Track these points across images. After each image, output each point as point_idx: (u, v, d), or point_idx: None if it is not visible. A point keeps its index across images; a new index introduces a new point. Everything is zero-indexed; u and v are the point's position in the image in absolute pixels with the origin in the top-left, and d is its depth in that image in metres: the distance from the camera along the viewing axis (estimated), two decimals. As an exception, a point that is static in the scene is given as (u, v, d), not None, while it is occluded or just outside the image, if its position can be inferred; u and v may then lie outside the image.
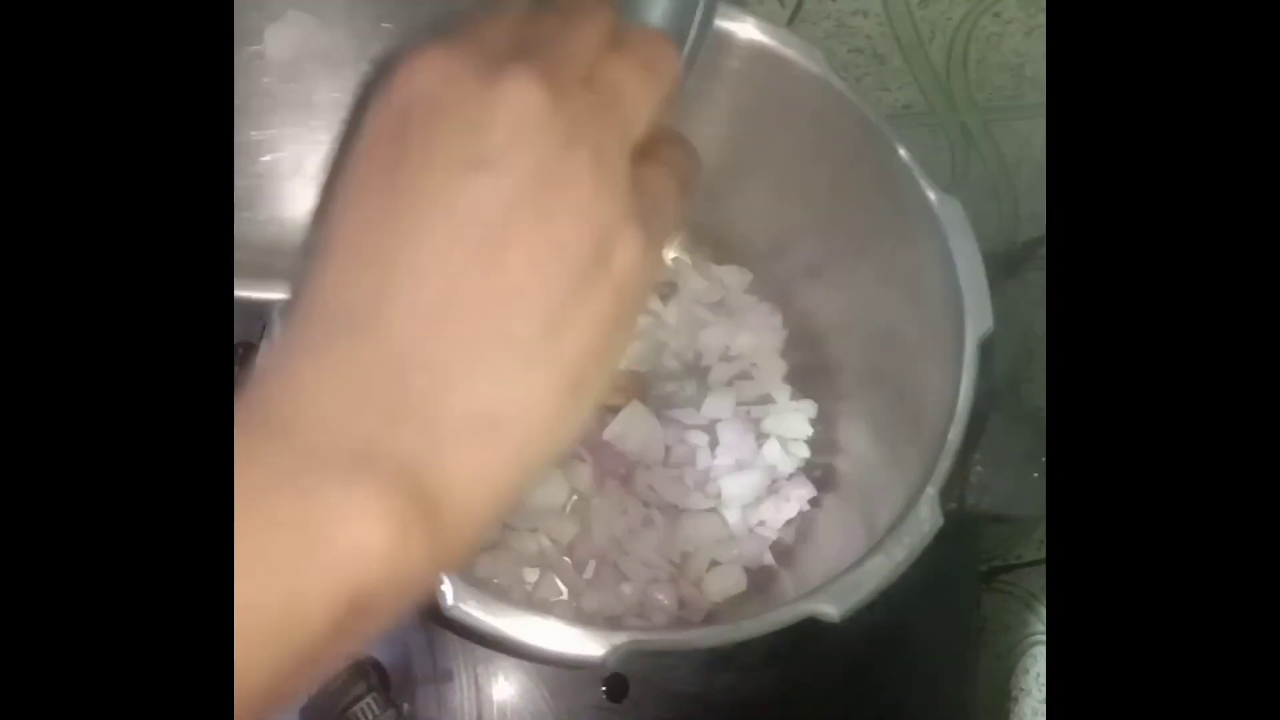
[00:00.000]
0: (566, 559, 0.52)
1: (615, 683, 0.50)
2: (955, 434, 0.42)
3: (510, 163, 0.23)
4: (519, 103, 0.23)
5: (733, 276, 0.60)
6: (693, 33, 0.30)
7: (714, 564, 0.53)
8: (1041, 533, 0.60)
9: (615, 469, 0.54)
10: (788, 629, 0.38)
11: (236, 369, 0.46)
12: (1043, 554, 0.60)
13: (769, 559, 0.53)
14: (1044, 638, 0.57)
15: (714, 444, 0.56)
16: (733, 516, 0.54)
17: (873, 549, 0.40)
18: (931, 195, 0.45)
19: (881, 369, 0.53)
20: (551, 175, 0.23)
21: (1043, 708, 0.56)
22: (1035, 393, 0.55)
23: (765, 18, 0.47)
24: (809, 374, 0.58)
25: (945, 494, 0.41)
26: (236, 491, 0.20)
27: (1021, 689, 0.58)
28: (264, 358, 0.34)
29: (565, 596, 0.51)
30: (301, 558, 0.20)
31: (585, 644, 0.36)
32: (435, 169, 0.23)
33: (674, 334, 0.59)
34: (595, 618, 0.50)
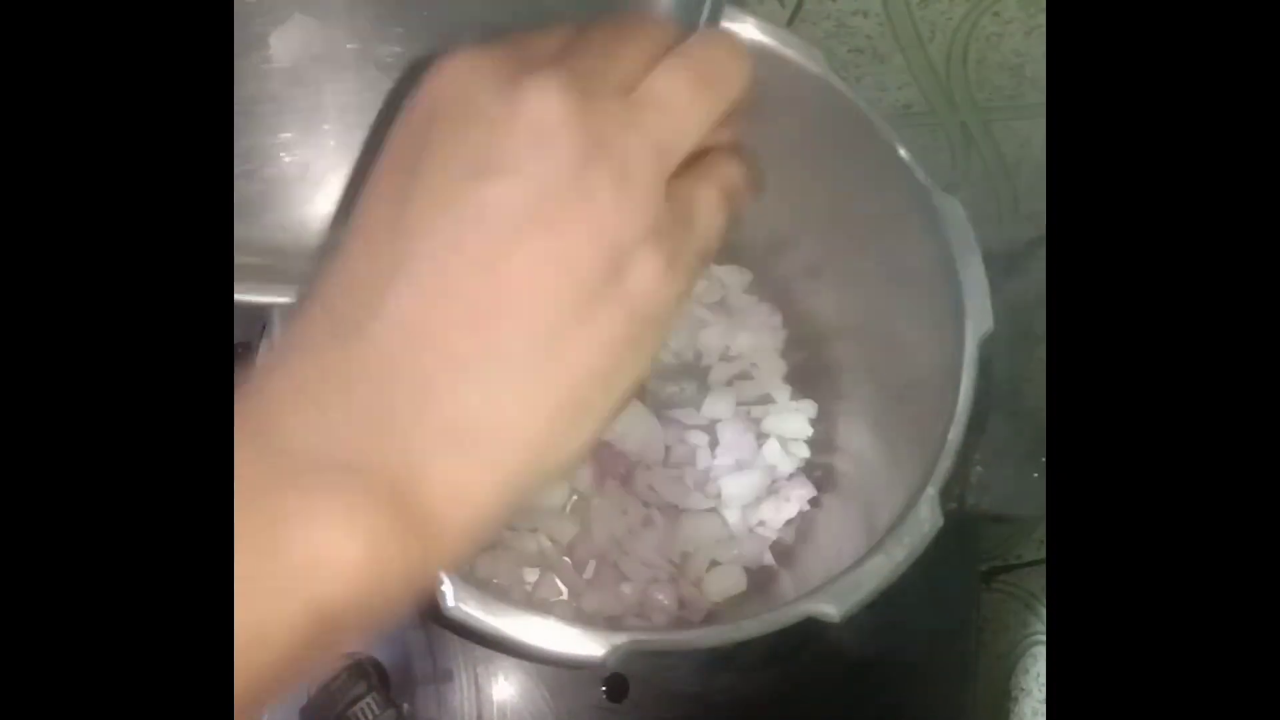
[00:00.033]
0: (566, 559, 0.52)
1: (615, 683, 0.50)
2: (955, 434, 0.42)
3: (523, 170, 0.22)
4: (540, 109, 0.22)
5: (732, 276, 0.60)
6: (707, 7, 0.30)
7: (714, 564, 0.53)
8: (1041, 533, 0.60)
9: (615, 469, 0.54)
10: (788, 629, 0.38)
11: (236, 369, 0.46)
12: (1043, 554, 0.60)
13: (769, 559, 0.53)
14: (1044, 638, 0.57)
15: (714, 444, 0.56)
16: (733, 516, 0.54)
17: (873, 549, 0.40)
18: (932, 195, 0.45)
19: (881, 369, 0.53)
20: (567, 186, 0.22)
21: (1043, 708, 0.56)
22: (1035, 392, 0.55)
23: (765, 18, 0.47)
24: (809, 374, 0.58)
25: (945, 494, 0.41)
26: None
27: (1021, 689, 0.58)
28: (262, 358, 0.34)
29: (565, 596, 0.51)
30: (261, 572, 0.20)
31: (585, 644, 0.36)
32: (448, 173, 0.22)
33: (674, 334, 0.59)
34: (595, 618, 0.50)
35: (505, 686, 0.50)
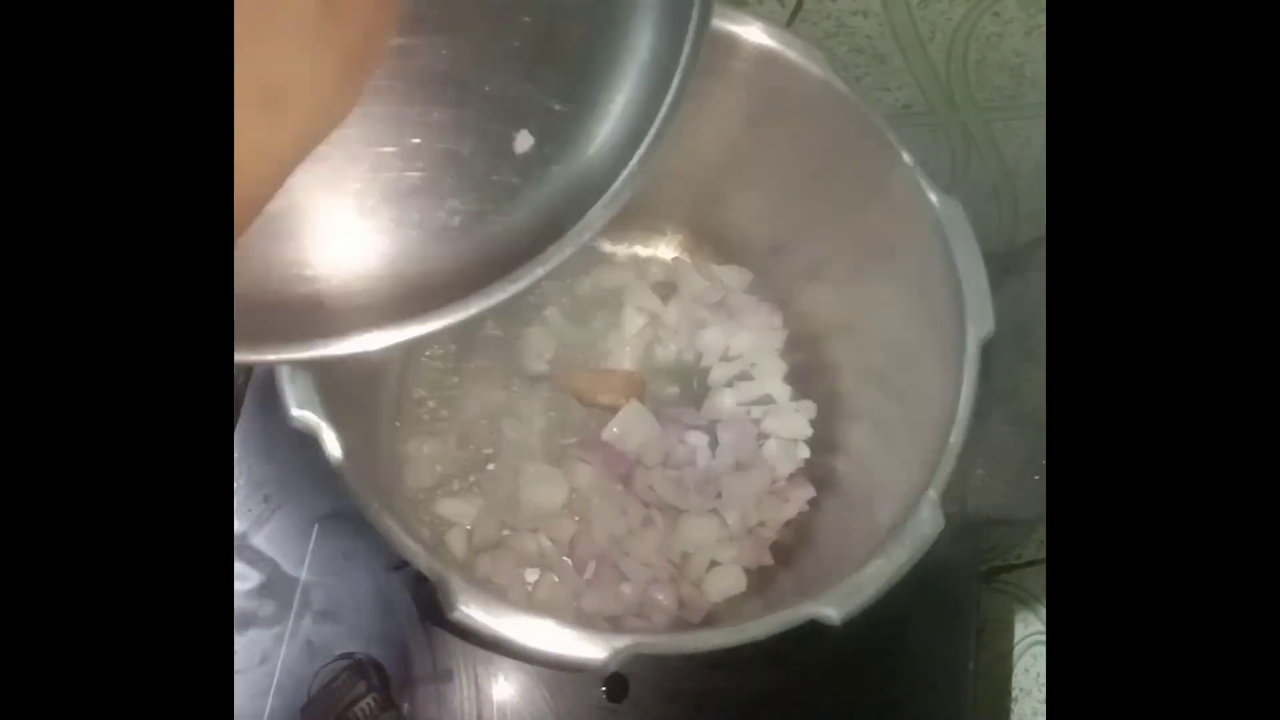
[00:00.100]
0: (566, 559, 0.52)
1: (615, 682, 0.50)
2: (957, 437, 0.42)
3: None
4: None
5: (733, 276, 0.60)
6: (689, 38, 0.30)
7: (714, 564, 0.53)
8: (1041, 533, 0.60)
9: (615, 469, 0.54)
10: (788, 630, 0.38)
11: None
12: (1043, 554, 0.60)
13: (769, 559, 0.53)
14: (1044, 638, 0.57)
15: (714, 444, 0.56)
16: (732, 517, 0.54)
17: (874, 552, 0.40)
18: (933, 197, 0.45)
19: (881, 369, 0.53)
20: None
21: (1043, 708, 0.56)
22: (1035, 393, 0.55)
23: (765, 18, 0.47)
24: (809, 374, 0.58)
25: (946, 497, 0.41)
26: None
27: (1021, 689, 0.58)
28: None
29: (565, 597, 0.51)
30: None
31: (588, 647, 0.36)
32: None
33: (674, 334, 0.59)
34: (595, 618, 0.50)
35: (505, 686, 0.50)
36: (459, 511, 0.52)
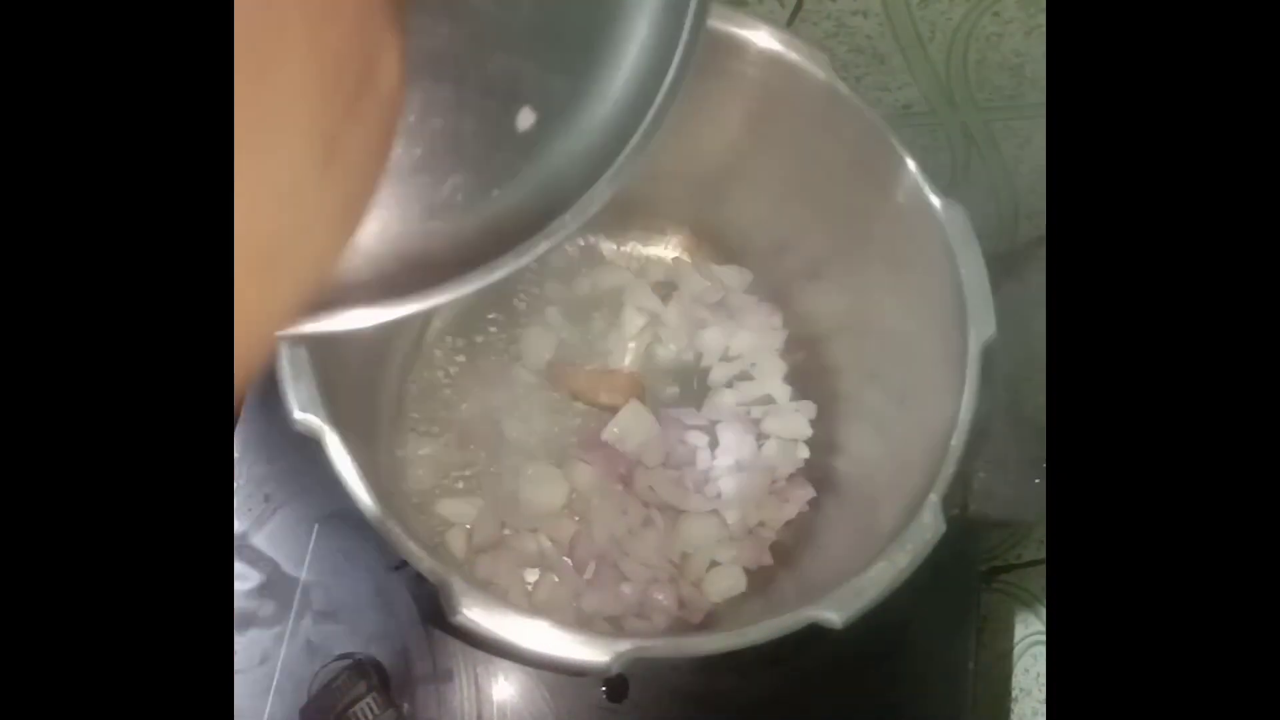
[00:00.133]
0: (566, 559, 0.52)
1: (616, 683, 0.50)
2: (958, 440, 0.42)
3: None
4: None
5: (733, 277, 0.60)
6: (690, 16, 0.30)
7: (714, 564, 0.53)
8: (1042, 533, 0.60)
9: (615, 469, 0.54)
10: (789, 632, 0.38)
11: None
12: (1043, 554, 0.60)
13: (768, 559, 0.53)
14: (1044, 638, 0.57)
15: (714, 444, 0.56)
16: (732, 517, 0.54)
17: (875, 555, 0.40)
18: (934, 199, 0.45)
19: (882, 370, 0.53)
20: None
21: (1043, 708, 0.56)
22: (1035, 393, 0.55)
23: (765, 18, 0.47)
24: (809, 374, 0.58)
25: (948, 500, 0.41)
26: None
27: (1021, 689, 0.58)
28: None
29: (565, 597, 0.51)
30: None
31: (590, 651, 0.36)
32: None
33: (674, 334, 0.59)
34: (595, 618, 0.50)
35: (505, 686, 0.50)
36: (459, 511, 0.52)
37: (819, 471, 0.55)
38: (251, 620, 0.49)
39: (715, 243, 0.61)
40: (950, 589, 0.56)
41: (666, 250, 0.62)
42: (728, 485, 0.54)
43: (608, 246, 0.61)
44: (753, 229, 0.59)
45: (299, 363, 0.38)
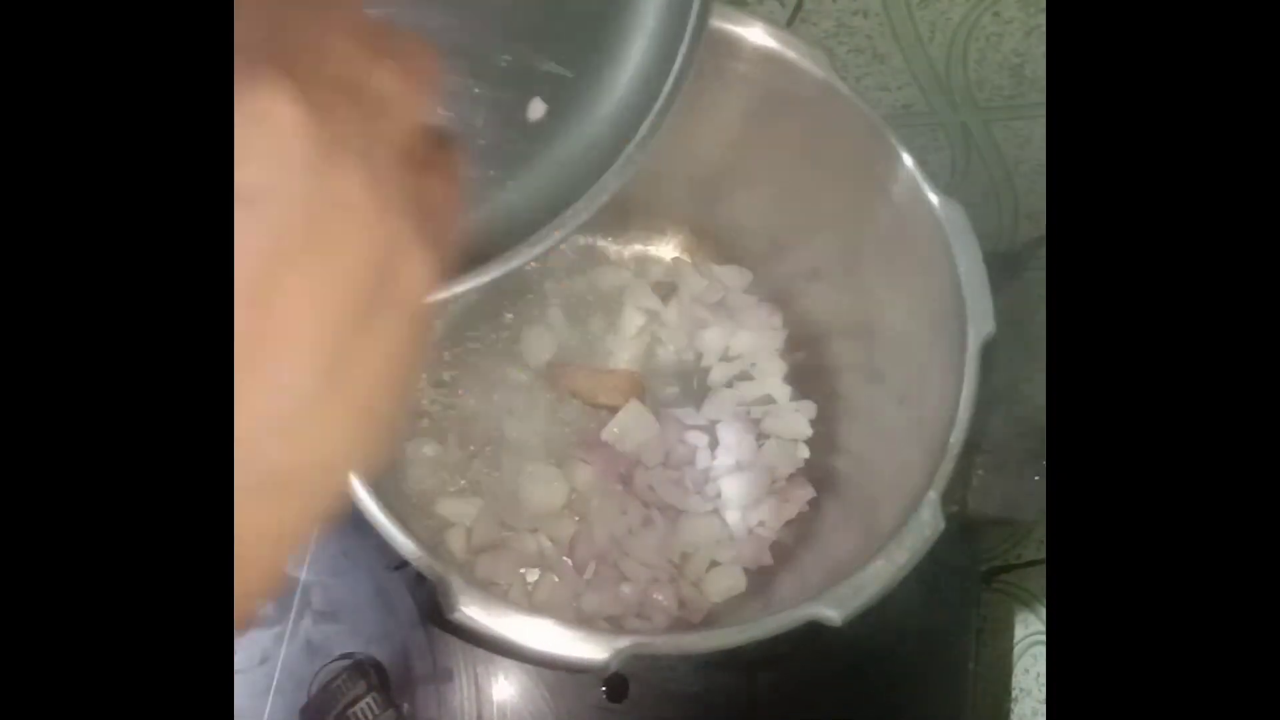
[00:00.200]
0: (566, 559, 0.52)
1: (615, 683, 0.50)
2: (957, 438, 0.42)
3: (272, 194, 0.20)
4: (275, 122, 0.21)
5: (733, 276, 0.60)
6: (690, 26, 0.30)
7: (713, 564, 0.53)
8: (1041, 533, 0.60)
9: (615, 469, 0.54)
10: (789, 630, 0.38)
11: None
12: (1043, 554, 0.60)
13: (768, 559, 0.53)
14: (1044, 638, 0.57)
15: (714, 444, 0.56)
16: (732, 517, 0.54)
17: (874, 553, 0.40)
18: (934, 198, 0.45)
19: (881, 370, 0.53)
20: (321, 201, 0.21)
21: (1043, 708, 0.56)
22: (1035, 392, 0.55)
23: (765, 18, 0.47)
24: (809, 374, 0.58)
25: (947, 497, 0.41)
26: None
27: (1021, 689, 0.58)
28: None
29: (565, 597, 0.51)
30: None
31: (589, 648, 0.36)
32: None
33: (674, 334, 0.59)
34: (595, 618, 0.50)
35: (505, 686, 0.50)
36: (459, 511, 0.52)
37: (819, 471, 0.55)
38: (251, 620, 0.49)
39: (715, 243, 0.61)
40: (950, 589, 0.56)
41: (666, 250, 0.62)
42: (728, 485, 0.54)
43: (608, 246, 0.61)
44: (753, 229, 0.59)
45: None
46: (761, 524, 0.54)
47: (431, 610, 0.38)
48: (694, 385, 0.58)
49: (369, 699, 0.44)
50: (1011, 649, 0.59)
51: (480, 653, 0.49)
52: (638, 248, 0.61)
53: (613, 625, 0.50)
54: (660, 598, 0.51)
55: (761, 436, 0.56)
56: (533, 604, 0.51)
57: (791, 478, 0.55)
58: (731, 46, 0.47)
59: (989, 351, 0.43)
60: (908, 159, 0.46)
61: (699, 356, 0.59)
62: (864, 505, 0.50)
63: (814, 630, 0.38)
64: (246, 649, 0.49)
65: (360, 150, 0.22)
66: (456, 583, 0.36)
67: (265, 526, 0.21)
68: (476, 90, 0.30)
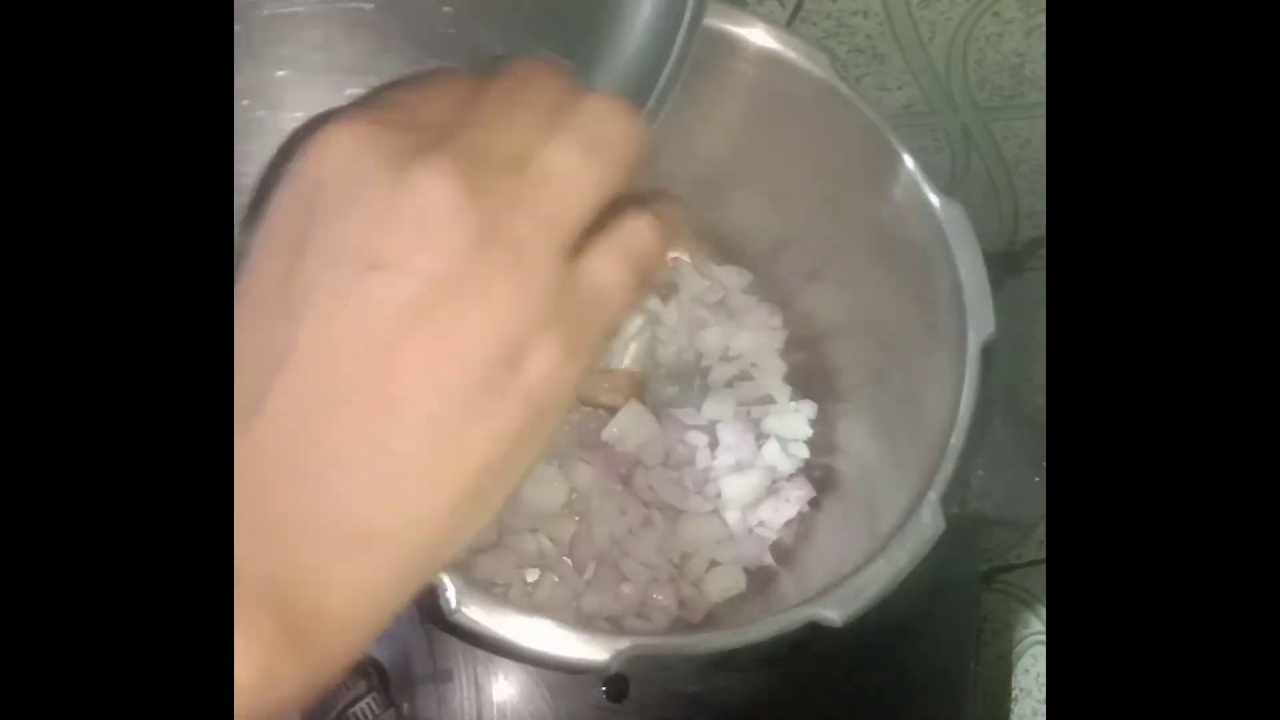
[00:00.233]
0: (566, 559, 0.52)
1: (616, 683, 0.50)
2: (957, 439, 0.42)
3: (412, 264, 0.21)
4: (429, 198, 0.21)
5: (732, 277, 0.60)
6: (660, 88, 0.30)
7: (714, 564, 0.53)
8: (1041, 533, 0.60)
9: (615, 469, 0.54)
10: (789, 631, 0.38)
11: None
12: (1043, 554, 0.60)
13: (769, 559, 0.53)
14: (1044, 638, 0.57)
15: (714, 444, 0.56)
16: (732, 517, 0.54)
17: (875, 554, 0.39)
18: (934, 198, 0.45)
19: (882, 370, 0.53)
20: (458, 277, 0.21)
21: (1043, 708, 0.56)
22: (1035, 392, 0.55)
23: (765, 18, 0.47)
24: (809, 374, 0.58)
25: (947, 498, 0.41)
26: None
27: (1021, 689, 0.58)
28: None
29: (565, 597, 0.51)
30: None
31: (589, 649, 0.36)
32: (334, 263, 0.21)
33: (674, 334, 0.59)
34: (595, 618, 0.50)
35: (505, 686, 0.50)
36: (459, 511, 0.52)
37: (819, 471, 0.55)
38: (251, 620, 0.49)
39: (715, 243, 0.61)
40: (950, 589, 0.56)
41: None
42: (728, 485, 0.54)
43: (607, 246, 0.61)
44: (753, 229, 0.59)
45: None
46: (761, 524, 0.54)
47: (431, 611, 0.38)
48: (694, 385, 0.58)
49: (369, 699, 0.44)
50: (1011, 649, 0.59)
51: (480, 653, 0.49)
52: (637, 248, 0.61)
53: (613, 625, 0.50)
54: (660, 598, 0.51)
55: (761, 436, 0.56)
56: (533, 604, 0.51)
57: (791, 478, 0.55)
58: (731, 47, 0.47)
59: (988, 351, 0.43)
60: (908, 159, 0.46)
61: (699, 356, 0.59)
62: (864, 505, 0.50)
63: (814, 630, 0.38)
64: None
65: (513, 233, 0.22)
66: (457, 584, 0.36)
67: (352, 587, 0.21)
68: (476, 74, 0.30)
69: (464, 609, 0.35)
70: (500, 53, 0.30)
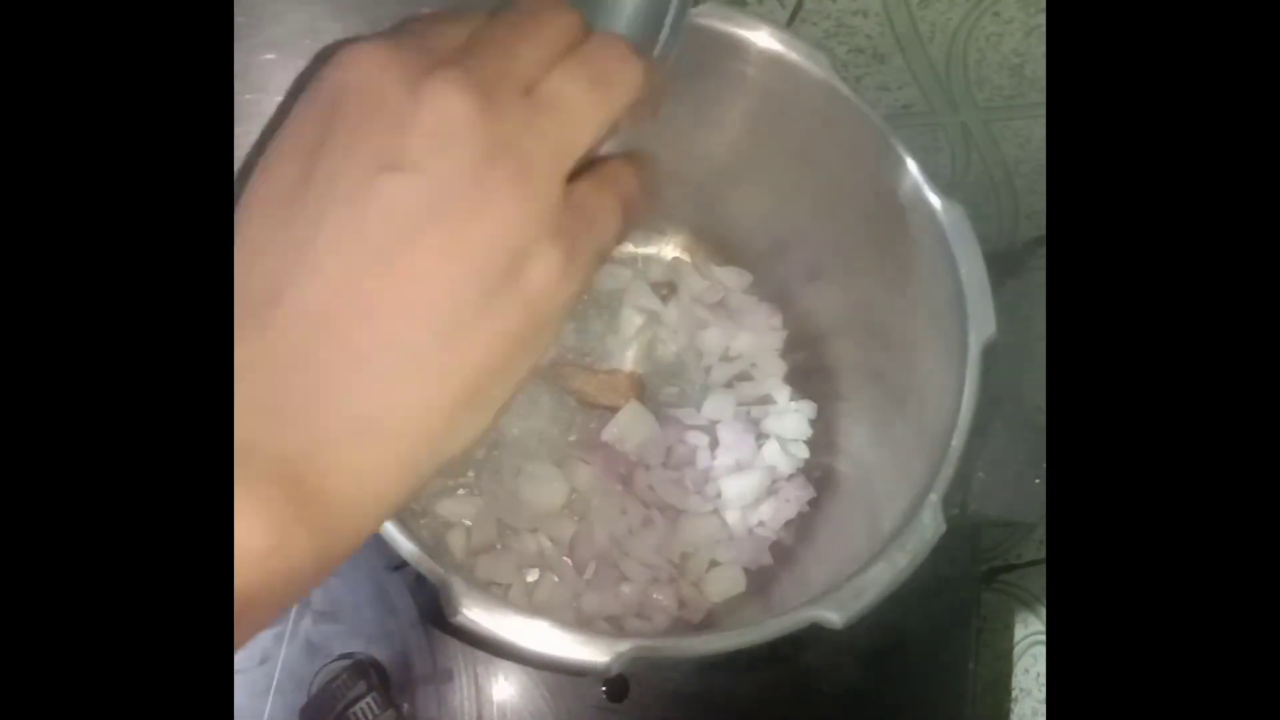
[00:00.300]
0: (566, 559, 0.52)
1: (616, 683, 0.50)
2: (958, 440, 0.42)
3: (427, 167, 0.22)
4: (444, 107, 0.22)
5: (733, 277, 0.60)
6: (664, 33, 0.30)
7: (713, 564, 0.53)
8: (1042, 532, 0.60)
9: (615, 469, 0.54)
10: (790, 632, 0.38)
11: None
12: (1043, 554, 0.60)
13: (768, 559, 0.53)
14: (1044, 638, 0.57)
15: (714, 444, 0.56)
16: (732, 517, 0.54)
17: (876, 555, 0.39)
18: (934, 199, 0.45)
19: (882, 370, 0.53)
20: (469, 184, 0.22)
21: (1043, 708, 0.56)
22: (1035, 392, 0.55)
23: (765, 18, 0.47)
24: (809, 374, 0.58)
25: (947, 499, 0.41)
26: None
27: (1021, 689, 0.58)
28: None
29: (565, 597, 0.51)
30: None
31: (591, 651, 0.36)
32: (351, 164, 0.22)
33: (674, 334, 0.59)
34: (595, 618, 0.50)
35: (505, 686, 0.50)
36: (459, 511, 0.52)
37: (819, 471, 0.55)
38: (251, 620, 0.49)
39: (715, 243, 0.61)
40: (950, 589, 0.56)
41: (666, 250, 0.62)
42: (728, 485, 0.54)
43: (607, 246, 0.61)
44: (753, 229, 0.59)
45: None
46: (761, 524, 0.54)
47: (432, 611, 0.38)
48: (694, 385, 0.58)
49: (369, 699, 0.44)
50: (1011, 649, 0.59)
51: (480, 653, 0.49)
52: (637, 248, 0.61)
53: (613, 625, 0.51)
54: (660, 598, 0.51)
55: (761, 436, 0.56)
56: (533, 604, 0.51)
57: (791, 478, 0.55)
58: (731, 47, 0.47)
59: (988, 352, 0.43)
60: (908, 159, 0.46)
61: (699, 357, 0.59)
62: (864, 506, 0.50)
63: (814, 631, 0.38)
64: (246, 649, 0.49)
65: (521, 148, 0.23)
66: (457, 583, 0.36)
67: (358, 469, 0.23)
68: None
69: (464, 609, 0.35)
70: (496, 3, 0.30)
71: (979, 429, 0.42)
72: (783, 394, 0.58)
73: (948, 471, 0.41)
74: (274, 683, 0.48)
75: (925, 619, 0.54)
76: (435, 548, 0.45)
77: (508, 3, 0.26)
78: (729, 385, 0.58)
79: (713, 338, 0.58)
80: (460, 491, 0.53)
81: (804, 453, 0.56)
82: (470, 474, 0.54)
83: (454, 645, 0.49)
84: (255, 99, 0.32)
